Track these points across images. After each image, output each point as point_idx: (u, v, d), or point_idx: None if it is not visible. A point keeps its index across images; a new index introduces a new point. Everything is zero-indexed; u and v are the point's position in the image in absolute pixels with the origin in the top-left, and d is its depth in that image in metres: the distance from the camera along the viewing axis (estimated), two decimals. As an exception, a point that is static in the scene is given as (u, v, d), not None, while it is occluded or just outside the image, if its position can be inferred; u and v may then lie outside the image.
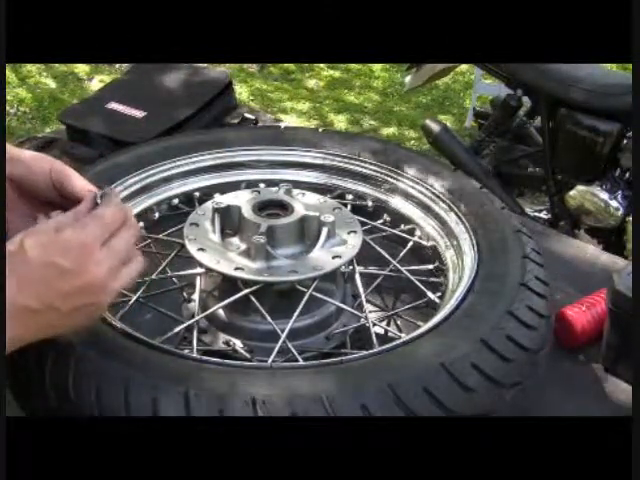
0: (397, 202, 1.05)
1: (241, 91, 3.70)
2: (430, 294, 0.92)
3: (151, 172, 1.04)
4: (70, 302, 0.64)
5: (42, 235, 0.64)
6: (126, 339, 0.75)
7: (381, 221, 1.05)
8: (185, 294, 0.96)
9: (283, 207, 0.91)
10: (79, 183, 0.75)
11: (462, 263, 0.91)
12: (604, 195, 2.06)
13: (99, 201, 0.71)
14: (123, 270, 0.68)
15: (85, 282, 0.64)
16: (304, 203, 0.92)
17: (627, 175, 2.05)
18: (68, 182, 0.75)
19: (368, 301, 0.96)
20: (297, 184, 1.03)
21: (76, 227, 0.65)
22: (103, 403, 0.67)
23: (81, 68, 3.82)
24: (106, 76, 3.68)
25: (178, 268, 0.95)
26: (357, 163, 1.09)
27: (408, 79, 2.58)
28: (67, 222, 0.66)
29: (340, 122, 3.62)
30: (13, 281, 0.61)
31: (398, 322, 1.00)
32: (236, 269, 0.84)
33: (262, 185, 1.05)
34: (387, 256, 0.97)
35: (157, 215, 1.05)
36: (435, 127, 2.43)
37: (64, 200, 0.75)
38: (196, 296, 0.89)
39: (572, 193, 2.13)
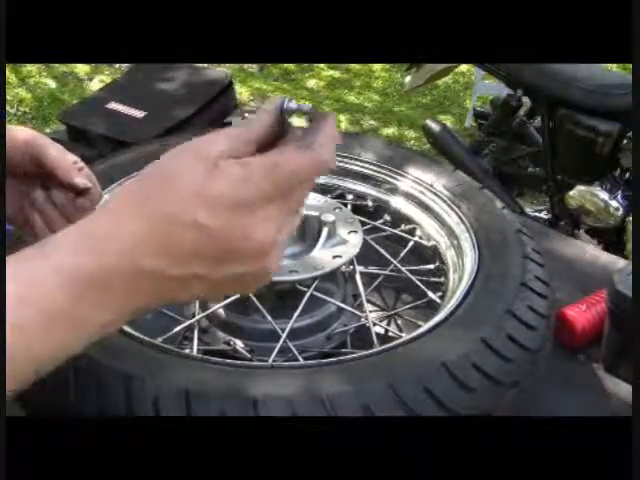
0: (398, 202, 1.05)
1: (241, 91, 3.69)
2: (431, 294, 0.92)
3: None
4: (221, 271, 0.47)
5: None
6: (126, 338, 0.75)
7: (382, 221, 1.05)
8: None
9: (283, 207, 0.91)
10: (54, 153, 0.70)
11: (463, 263, 0.91)
12: (604, 195, 2.06)
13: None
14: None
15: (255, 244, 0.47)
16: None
17: (627, 175, 2.05)
18: (43, 152, 0.69)
19: (368, 301, 0.96)
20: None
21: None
22: (103, 403, 0.67)
23: (81, 68, 3.81)
24: (106, 76, 3.68)
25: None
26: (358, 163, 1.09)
27: (408, 79, 2.58)
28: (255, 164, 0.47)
29: (340, 122, 3.61)
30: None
31: (399, 322, 1.00)
32: (236, 269, 0.84)
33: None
34: (388, 256, 0.97)
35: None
36: (435, 127, 2.43)
37: (42, 172, 0.70)
38: (196, 296, 0.89)
39: (572, 193, 2.13)
